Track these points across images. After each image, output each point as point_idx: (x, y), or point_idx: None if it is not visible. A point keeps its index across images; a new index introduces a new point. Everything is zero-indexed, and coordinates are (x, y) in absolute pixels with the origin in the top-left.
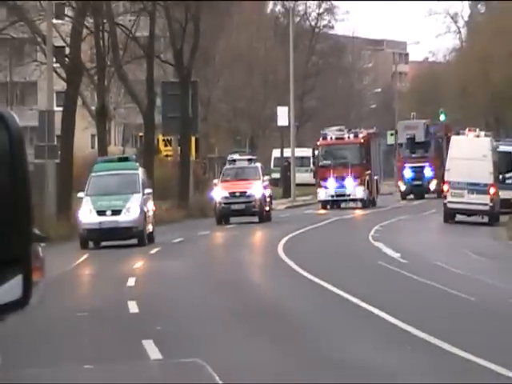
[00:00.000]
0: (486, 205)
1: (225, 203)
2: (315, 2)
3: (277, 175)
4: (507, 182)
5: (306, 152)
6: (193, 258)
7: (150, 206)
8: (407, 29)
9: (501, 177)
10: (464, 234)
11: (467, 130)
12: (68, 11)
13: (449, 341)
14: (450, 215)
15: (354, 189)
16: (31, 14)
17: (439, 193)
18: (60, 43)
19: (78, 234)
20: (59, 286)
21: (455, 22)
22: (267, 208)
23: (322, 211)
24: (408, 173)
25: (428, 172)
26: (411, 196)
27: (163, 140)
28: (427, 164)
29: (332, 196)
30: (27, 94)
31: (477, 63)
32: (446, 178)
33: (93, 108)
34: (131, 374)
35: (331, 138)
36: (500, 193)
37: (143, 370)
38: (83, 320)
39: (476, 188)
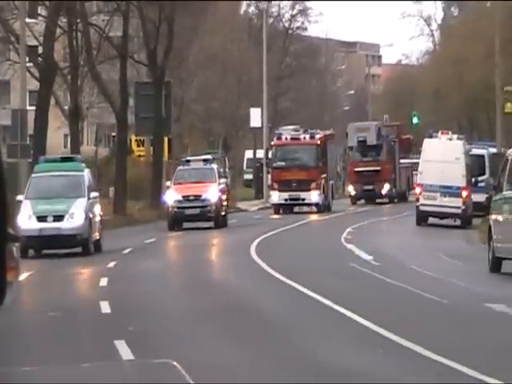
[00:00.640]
0: (458, 208)
1: (178, 207)
2: (289, 3)
3: (249, 176)
4: (480, 185)
5: None
6: (165, 259)
7: (97, 211)
8: (381, 31)
9: (473, 180)
10: (436, 237)
11: (440, 132)
12: (41, 10)
13: (421, 343)
14: (422, 218)
15: (309, 193)
16: (4, 13)
17: (391, 198)
18: (33, 42)
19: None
20: (31, 286)
21: (428, 25)
22: (223, 213)
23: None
24: (359, 177)
25: (380, 176)
26: (362, 201)
27: (136, 140)
28: (379, 168)
29: (286, 200)
30: (0, 93)
31: (450, 66)
32: (418, 181)
33: (66, 108)
34: (103, 375)
35: (286, 139)
36: (472, 196)
37: (115, 371)
38: (55, 320)
39: (448, 191)
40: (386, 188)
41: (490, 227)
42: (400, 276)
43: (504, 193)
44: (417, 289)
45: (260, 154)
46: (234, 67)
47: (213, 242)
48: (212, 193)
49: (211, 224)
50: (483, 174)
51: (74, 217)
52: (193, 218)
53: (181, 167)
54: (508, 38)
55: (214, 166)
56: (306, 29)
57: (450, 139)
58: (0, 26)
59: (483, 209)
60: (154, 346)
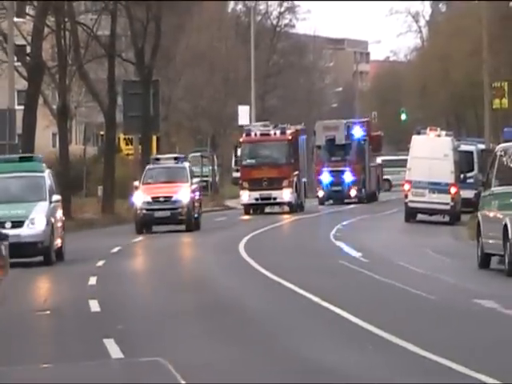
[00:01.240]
0: (447, 204)
1: (146, 209)
2: (276, 1)
3: (237, 174)
4: (468, 181)
5: None
6: (153, 257)
7: (59, 217)
8: (368, 28)
9: (462, 176)
10: (425, 234)
11: (428, 129)
12: (29, 10)
13: (409, 340)
14: (411, 214)
15: (281, 191)
16: None
17: (360, 199)
18: (21, 42)
19: None
20: (18, 285)
21: (416, 22)
22: (196, 215)
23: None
24: (326, 177)
25: (348, 177)
26: (331, 202)
27: (124, 139)
28: (348, 168)
29: (256, 199)
30: None
31: (437, 62)
32: (407, 177)
33: (54, 107)
34: (92, 373)
35: (255, 135)
36: (461, 192)
37: (104, 369)
38: (43, 319)
39: (437, 187)
40: (354, 189)
41: (478, 223)
42: (388, 272)
43: (493, 189)
44: (405, 285)
45: None
46: (221, 65)
47: (191, 242)
48: (183, 194)
49: (182, 227)
50: (472, 170)
51: (35, 222)
52: (163, 220)
53: (150, 166)
54: (495, 35)
55: (186, 164)
56: (293, 26)
57: (439, 135)
58: None
59: (472, 205)
60: (143, 344)
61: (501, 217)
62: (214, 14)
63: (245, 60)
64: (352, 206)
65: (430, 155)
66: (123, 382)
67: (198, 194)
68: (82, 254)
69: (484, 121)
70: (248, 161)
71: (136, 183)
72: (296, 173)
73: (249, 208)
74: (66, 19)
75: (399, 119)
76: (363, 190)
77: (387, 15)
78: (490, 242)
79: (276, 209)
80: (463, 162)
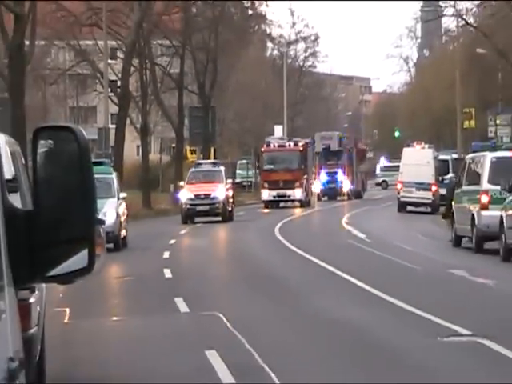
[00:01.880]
0: (429, 199)
1: (190, 204)
2: (302, 47)
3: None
4: (445, 182)
5: None
6: (211, 237)
7: (124, 211)
8: (371, 68)
9: (440, 178)
10: (413, 221)
11: (415, 143)
12: (119, 53)
13: (401, 299)
14: (402, 206)
15: (294, 191)
16: (92, 56)
17: (349, 195)
18: (114, 78)
19: None
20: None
21: (407, 63)
22: (229, 208)
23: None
24: (323, 177)
25: (340, 177)
26: (325, 198)
27: (190, 150)
28: (340, 170)
29: (274, 196)
30: (89, 116)
31: (422, 94)
32: (399, 179)
33: (138, 126)
34: (166, 324)
35: (274, 146)
36: (439, 190)
37: (175, 321)
38: (129, 283)
39: (422, 186)
40: (346, 187)
41: (452, 213)
42: (385, 249)
43: (463, 187)
44: (398, 259)
45: None
46: (261, 95)
47: (238, 227)
48: (220, 192)
49: (219, 218)
50: (448, 173)
51: (107, 215)
52: (203, 213)
53: (193, 169)
54: (465, 72)
55: (222, 167)
56: (315, 67)
57: (423, 148)
58: (89, 65)
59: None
60: (205, 302)
61: (470, 208)
62: (256, 57)
63: (279, 91)
64: (345, 202)
65: (417, 162)
66: (189, 330)
67: (231, 192)
68: (159, 234)
69: (457, 137)
70: (268, 166)
71: (181, 183)
72: (305, 176)
73: (268, 203)
74: (147, 61)
75: (394, 136)
76: (351, 188)
77: (385, 59)
78: (462, 227)
79: (289, 204)
80: (441, 168)
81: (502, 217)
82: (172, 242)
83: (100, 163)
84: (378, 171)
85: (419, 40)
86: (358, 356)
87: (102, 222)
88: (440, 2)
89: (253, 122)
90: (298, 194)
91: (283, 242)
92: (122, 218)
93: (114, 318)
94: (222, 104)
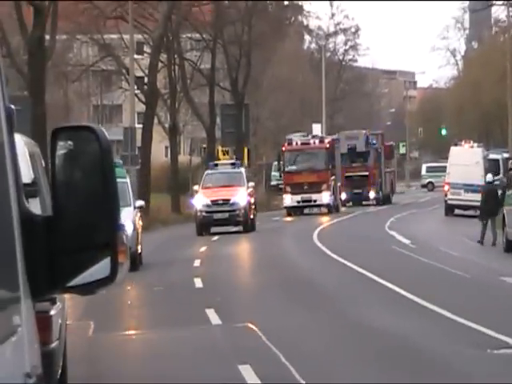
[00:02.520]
0: (478, 201)
1: (206, 212)
2: (342, 40)
3: (275, 182)
4: (495, 183)
5: None
6: (244, 245)
7: (139, 222)
8: (415, 61)
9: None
10: (461, 225)
11: (463, 141)
12: (146, 48)
13: (448, 308)
14: (449, 210)
15: (320, 194)
16: (117, 51)
17: (378, 200)
18: (140, 74)
19: None
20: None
21: (454, 56)
22: (251, 216)
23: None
24: (349, 181)
25: (368, 181)
26: (350, 203)
27: (222, 150)
28: (367, 173)
29: (298, 202)
30: (114, 115)
31: (470, 88)
32: (446, 180)
33: (166, 125)
34: (197, 336)
35: (297, 144)
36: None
37: (206, 333)
38: (159, 293)
39: (470, 188)
40: (373, 191)
41: (503, 216)
42: (431, 255)
43: None
44: (444, 265)
45: None
46: (298, 91)
47: (274, 232)
48: (241, 197)
49: (240, 228)
50: (498, 174)
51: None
52: (221, 222)
53: (209, 171)
54: None
55: (243, 169)
56: (356, 61)
57: (472, 147)
58: (114, 61)
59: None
60: (237, 313)
61: None
62: (292, 51)
63: (317, 87)
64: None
65: (465, 162)
66: (221, 343)
67: (253, 197)
68: (189, 241)
69: (508, 135)
70: (290, 167)
71: (196, 187)
72: (333, 177)
73: (291, 210)
74: (176, 56)
75: (440, 134)
76: (380, 193)
77: (430, 51)
78: None
79: (314, 210)
80: (491, 168)
81: None
82: (203, 249)
83: None
84: (423, 172)
85: (467, 31)
86: (404, 369)
87: (123, 229)
88: None
89: (289, 120)
90: (325, 198)
91: (321, 247)
92: (139, 231)
93: (142, 331)
94: (257, 101)
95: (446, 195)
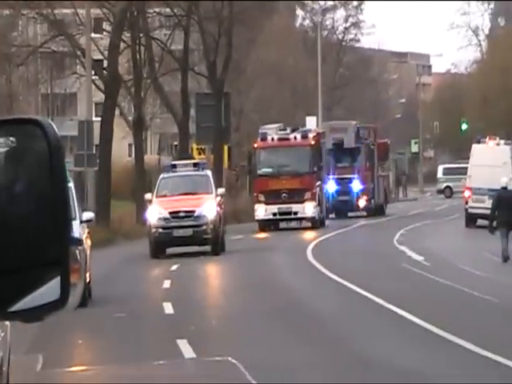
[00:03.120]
0: None
1: (163, 228)
2: (342, 16)
3: None
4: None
5: None
6: (223, 262)
7: (87, 242)
8: (430, 42)
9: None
10: (485, 238)
11: (488, 138)
12: (106, 26)
13: (472, 341)
14: (471, 220)
15: (303, 205)
16: (71, 29)
17: (369, 211)
18: (98, 56)
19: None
20: (97, 290)
21: (476, 35)
22: (221, 233)
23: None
24: (332, 186)
25: (357, 186)
26: (333, 214)
27: (197, 149)
28: (356, 176)
29: (274, 214)
30: (67, 105)
31: (497, 74)
32: (467, 185)
33: (130, 118)
34: (167, 373)
35: (273, 139)
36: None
37: (178, 369)
38: (120, 321)
39: None
40: (363, 199)
41: None
42: (450, 275)
43: None
44: (466, 288)
45: None
46: (289, 77)
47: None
48: (209, 207)
49: (207, 248)
50: None
51: None
52: (183, 240)
53: (164, 175)
54: None
55: (209, 172)
56: (358, 40)
57: (498, 144)
58: (67, 41)
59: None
60: (215, 344)
61: None
62: (282, 29)
63: (312, 73)
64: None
65: (490, 163)
66: (196, 381)
67: (222, 208)
68: (158, 259)
69: None
70: (264, 170)
71: (148, 196)
72: (319, 183)
73: (264, 225)
74: (141, 34)
75: (460, 129)
76: (372, 201)
77: (448, 29)
78: None
79: (292, 224)
80: None
81: None
82: (174, 267)
83: None
84: (439, 175)
85: (492, 5)
86: None
87: (79, 242)
88: None
89: (279, 112)
90: (308, 209)
91: (316, 265)
92: (88, 253)
93: (100, 367)
94: (239, 90)
95: (466, 203)
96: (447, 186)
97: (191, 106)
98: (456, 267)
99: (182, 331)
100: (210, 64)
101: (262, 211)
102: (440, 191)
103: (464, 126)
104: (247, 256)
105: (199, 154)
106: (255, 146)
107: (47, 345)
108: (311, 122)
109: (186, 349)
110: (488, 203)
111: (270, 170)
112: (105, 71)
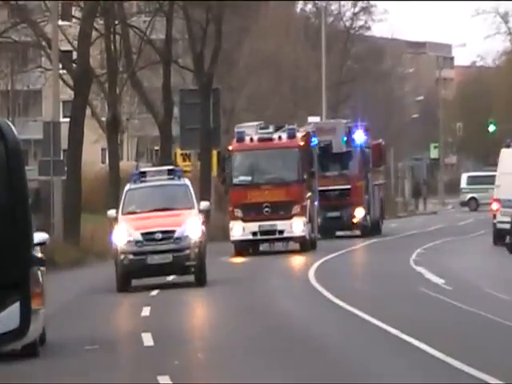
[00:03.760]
0: None
1: (134, 253)
2: (350, 0)
3: None
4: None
5: None
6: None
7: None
8: (452, 30)
9: None
10: None
11: None
12: (75, 12)
13: (500, 377)
14: (499, 236)
15: (290, 221)
16: (35, 15)
17: (364, 228)
18: (67, 47)
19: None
20: (66, 316)
21: (506, 22)
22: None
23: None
24: (320, 199)
25: (350, 199)
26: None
27: (182, 154)
28: (349, 187)
29: (254, 234)
30: (31, 104)
31: None
32: (495, 196)
33: (103, 119)
34: None
35: (252, 140)
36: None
37: None
38: (92, 354)
39: None
40: (359, 214)
41: None
42: (475, 301)
43: None
44: (494, 316)
45: None
46: (289, 72)
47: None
48: (192, 226)
49: (189, 278)
50: None
51: None
52: (161, 269)
53: (131, 185)
54: None
55: (187, 181)
56: (369, 28)
57: None
58: (30, 29)
59: None
60: (201, 382)
61: None
62: (281, 15)
63: (315, 66)
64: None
65: None
66: None
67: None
68: (135, 282)
69: None
70: (241, 178)
71: (111, 213)
72: (309, 194)
73: (242, 246)
74: (116, 22)
75: (487, 131)
76: (368, 217)
77: (473, 16)
78: None
79: (278, 247)
80: None
81: None
82: (154, 293)
83: None
84: (463, 184)
85: None
86: None
87: (41, 263)
88: None
89: (276, 111)
90: (297, 227)
91: (319, 288)
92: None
93: None
94: (230, 85)
95: (494, 217)
96: (472, 198)
97: (174, 105)
98: (482, 291)
99: (163, 366)
100: (196, 56)
101: (238, 230)
102: (464, 203)
103: (492, 128)
104: (240, 290)
105: (184, 160)
106: (230, 148)
107: (5, 379)
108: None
109: None
110: None
111: (248, 178)
112: (74, 64)
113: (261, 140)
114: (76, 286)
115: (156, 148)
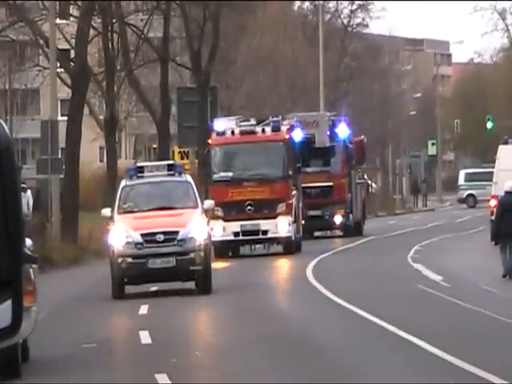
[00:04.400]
0: None
1: (134, 256)
2: None
3: None
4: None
5: None
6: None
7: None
8: (450, 27)
9: None
10: None
11: None
12: (73, 10)
13: (499, 374)
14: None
15: (275, 221)
16: (32, 14)
17: (347, 228)
18: (64, 46)
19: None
20: (63, 315)
21: (503, 19)
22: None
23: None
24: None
25: (332, 197)
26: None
27: (179, 152)
28: (331, 184)
29: (236, 234)
30: (29, 103)
31: None
32: (493, 192)
33: (101, 117)
34: None
35: (233, 133)
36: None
37: None
38: (90, 352)
39: None
40: (340, 213)
41: None
42: (473, 298)
43: None
44: (493, 313)
45: None
46: (286, 70)
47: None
48: (197, 227)
49: (191, 284)
50: None
51: None
52: (163, 274)
53: (128, 182)
54: None
55: (189, 177)
56: (366, 26)
57: None
58: (28, 28)
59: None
60: (199, 380)
61: None
62: (278, 13)
63: (313, 64)
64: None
65: None
66: None
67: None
68: None
69: None
70: (221, 174)
71: (106, 212)
72: (295, 192)
73: (223, 249)
74: (114, 20)
75: (485, 128)
76: (350, 216)
77: (471, 13)
78: None
79: (259, 249)
80: None
81: None
82: (153, 289)
83: None
84: (461, 181)
85: None
86: None
87: (34, 260)
88: None
89: (274, 109)
90: (282, 226)
91: (317, 286)
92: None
93: None
94: (228, 83)
95: (492, 213)
96: (470, 195)
97: (172, 103)
98: (480, 288)
99: (161, 364)
100: (193, 54)
101: (218, 230)
102: (461, 200)
103: (489, 125)
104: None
105: (182, 158)
106: (209, 142)
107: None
108: None
109: None
110: None
111: (229, 174)
112: (72, 63)
113: (243, 133)
114: (73, 285)
115: (154, 146)
